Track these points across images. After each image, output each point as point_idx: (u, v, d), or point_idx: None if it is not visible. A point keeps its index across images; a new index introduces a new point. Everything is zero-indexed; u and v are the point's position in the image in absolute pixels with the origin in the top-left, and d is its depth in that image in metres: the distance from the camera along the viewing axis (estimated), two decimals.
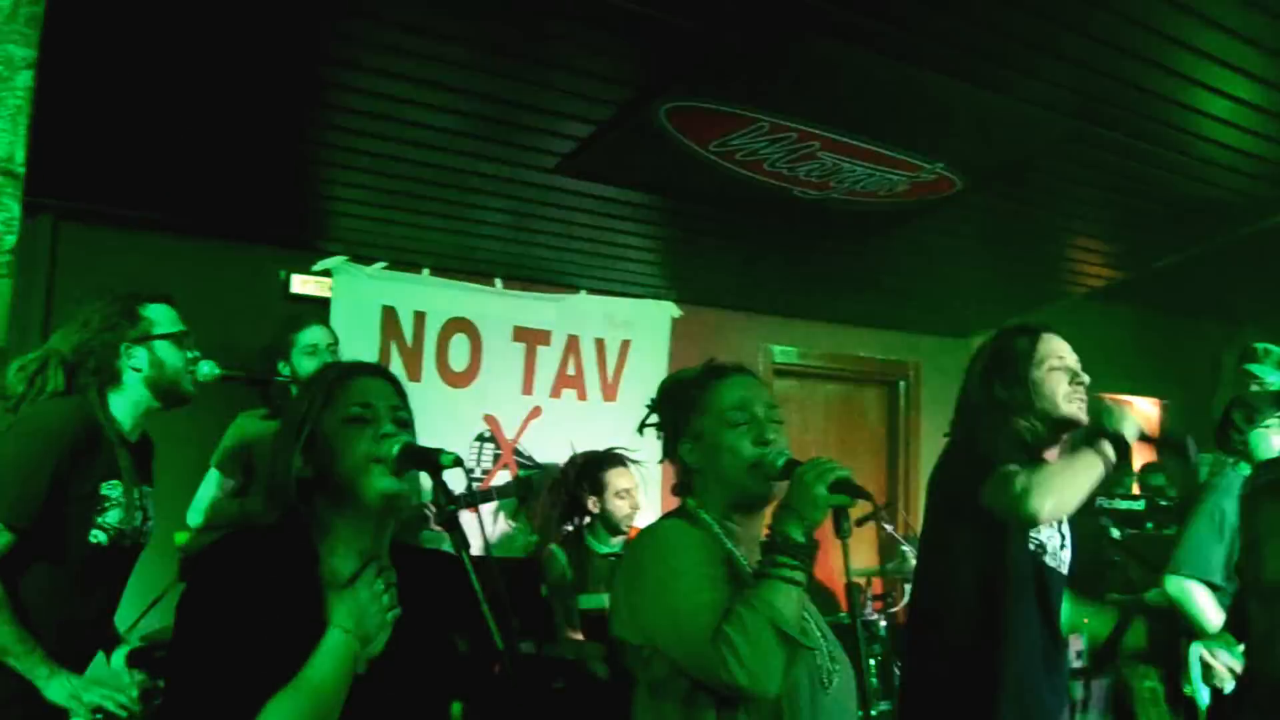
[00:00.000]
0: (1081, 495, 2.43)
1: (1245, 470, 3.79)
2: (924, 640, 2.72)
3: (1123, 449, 2.48)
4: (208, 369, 2.94)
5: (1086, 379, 2.68)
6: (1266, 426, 3.81)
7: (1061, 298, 6.01)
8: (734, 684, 1.78)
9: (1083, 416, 2.64)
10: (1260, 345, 4.68)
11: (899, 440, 6.61)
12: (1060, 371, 2.67)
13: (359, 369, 1.91)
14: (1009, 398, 2.66)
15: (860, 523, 4.90)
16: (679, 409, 2.14)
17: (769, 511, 2.03)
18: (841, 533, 1.89)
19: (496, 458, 5.23)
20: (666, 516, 2.15)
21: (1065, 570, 2.72)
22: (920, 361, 6.63)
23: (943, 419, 6.61)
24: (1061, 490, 2.39)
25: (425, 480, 1.80)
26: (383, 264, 4.96)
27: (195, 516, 3.87)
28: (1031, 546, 2.59)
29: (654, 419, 2.23)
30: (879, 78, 3.36)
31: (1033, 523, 2.44)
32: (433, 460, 1.75)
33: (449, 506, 1.75)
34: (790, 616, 1.82)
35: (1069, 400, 2.64)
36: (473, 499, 4.67)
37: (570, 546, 4.59)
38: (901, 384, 6.63)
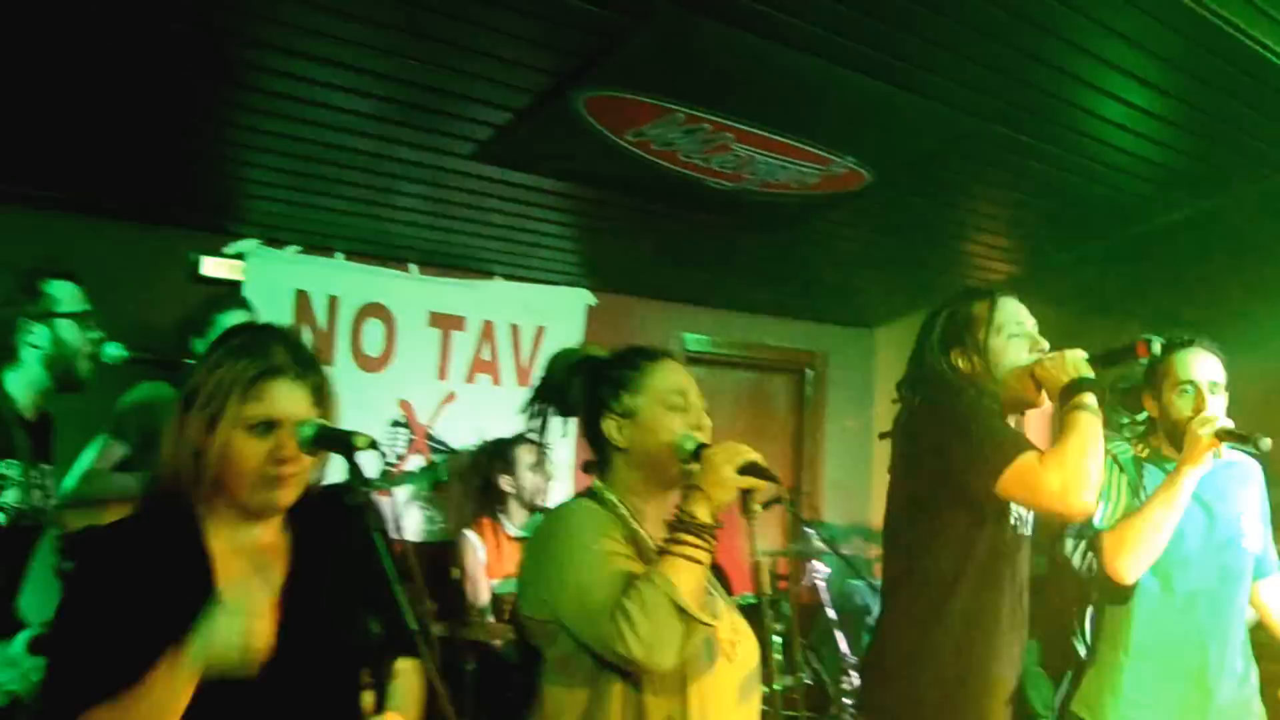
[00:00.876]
0: (1102, 460, 2.45)
1: None
2: (900, 615, 2.67)
3: (1099, 392, 2.48)
4: (114, 350, 2.89)
5: (1045, 344, 2.66)
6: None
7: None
8: (629, 657, 1.82)
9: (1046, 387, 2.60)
10: (1148, 335, 4.88)
11: (805, 427, 6.73)
12: (1020, 339, 2.65)
13: (276, 371, 1.80)
14: (969, 367, 2.63)
15: (767, 506, 5.01)
16: (604, 385, 2.15)
17: (675, 494, 2.08)
18: (748, 514, 1.94)
19: (410, 443, 5.23)
20: (573, 497, 2.20)
21: (1030, 530, 2.73)
22: (827, 351, 6.77)
23: (847, 406, 6.79)
24: (1091, 468, 2.39)
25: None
26: (296, 248, 4.92)
27: (69, 481, 3.53)
28: (1013, 522, 2.61)
29: (552, 393, 2.24)
30: (792, 72, 3.42)
31: (1085, 516, 2.49)
32: (346, 442, 1.74)
33: (362, 489, 1.74)
34: (690, 593, 1.86)
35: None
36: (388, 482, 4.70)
37: (486, 530, 4.65)
38: (808, 372, 6.76)
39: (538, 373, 2.32)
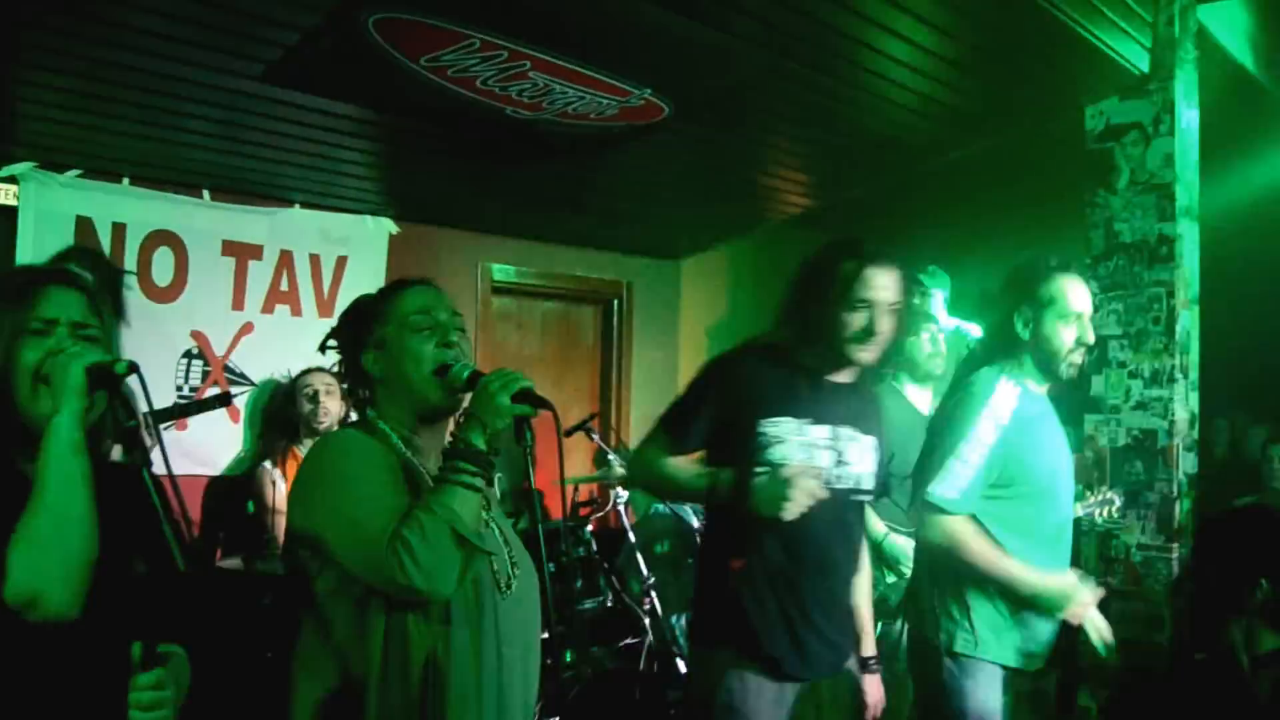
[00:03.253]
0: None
1: (901, 380, 4.18)
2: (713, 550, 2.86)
3: None
4: None
5: (883, 328, 2.66)
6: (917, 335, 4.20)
7: (763, 223, 6.36)
8: (410, 586, 1.81)
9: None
10: (930, 267, 5.22)
11: (612, 356, 6.84)
12: (862, 312, 2.64)
13: (48, 277, 1.83)
14: (815, 318, 2.69)
15: (570, 433, 5.14)
16: (360, 322, 2.15)
17: (451, 425, 2.09)
18: (524, 441, 1.94)
19: (206, 375, 5.10)
20: (343, 427, 2.18)
21: (849, 486, 2.75)
22: (633, 281, 6.87)
23: (653, 336, 6.93)
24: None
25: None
26: (76, 172, 4.68)
27: None
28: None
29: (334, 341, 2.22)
30: (589, 2, 3.43)
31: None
32: (106, 372, 1.71)
33: (129, 422, 1.69)
34: (468, 521, 1.87)
35: (851, 347, 2.66)
36: (171, 412, 4.58)
37: (287, 461, 4.62)
38: (615, 302, 6.85)
39: (339, 304, 2.28)
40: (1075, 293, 2.97)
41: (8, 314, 1.77)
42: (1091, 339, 3.00)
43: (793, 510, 2.48)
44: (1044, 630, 2.98)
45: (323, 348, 2.24)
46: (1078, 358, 2.99)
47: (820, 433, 2.71)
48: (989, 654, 2.91)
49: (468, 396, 2.01)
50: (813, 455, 2.68)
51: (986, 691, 2.90)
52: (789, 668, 2.68)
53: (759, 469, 2.61)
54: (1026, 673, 3.02)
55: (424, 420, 2.12)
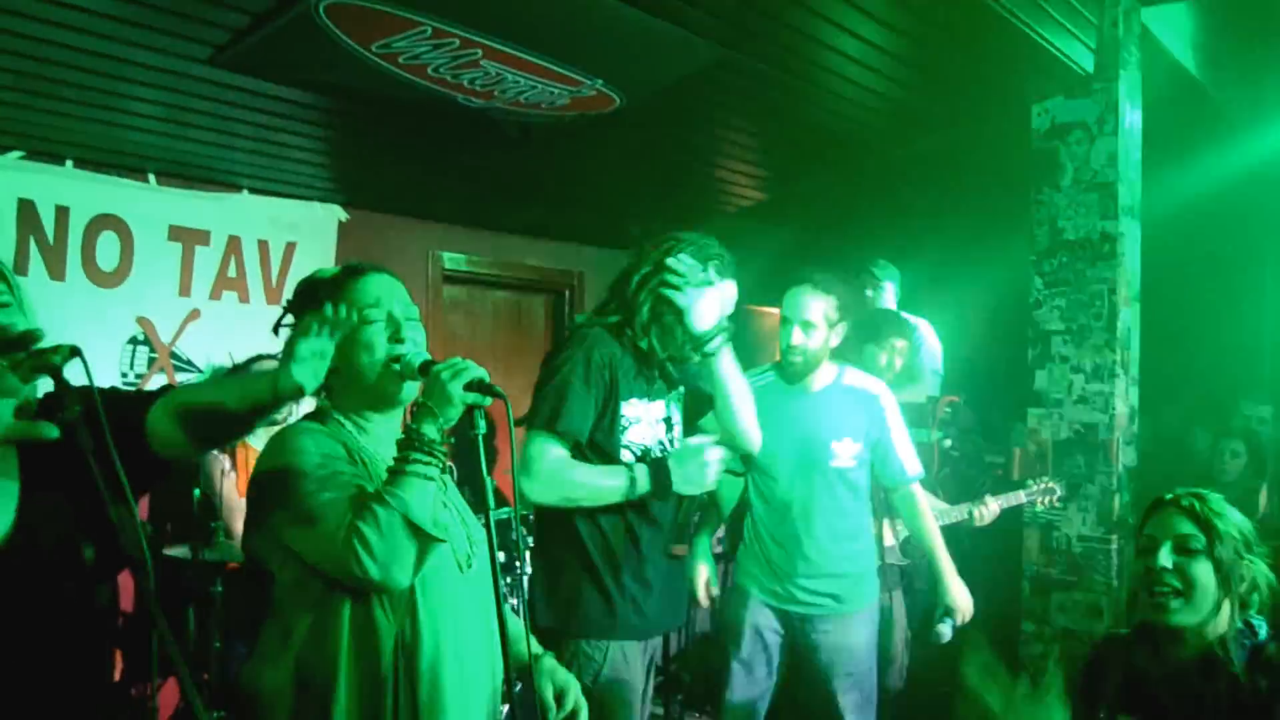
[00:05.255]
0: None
1: None
2: None
3: None
4: None
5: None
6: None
7: (716, 215, 6.38)
8: (366, 578, 1.83)
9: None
10: (880, 260, 5.27)
11: None
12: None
13: None
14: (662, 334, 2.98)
15: (520, 423, 5.08)
16: (314, 307, 2.09)
17: (406, 411, 2.09)
18: (475, 430, 1.93)
19: (152, 361, 5.03)
20: (299, 419, 2.16)
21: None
22: (585, 271, 6.86)
23: None
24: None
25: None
26: (18, 153, 4.60)
27: None
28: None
29: (289, 320, 2.18)
30: None
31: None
32: (48, 360, 1.67)
33: (75, 407, 1.64)
34: (423, 510, 1.87)
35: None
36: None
37: (231, 448, 4.57)
38: (567, 292, 6.84)
39: (287, 291, 2.26)
40: (788, 303, 3.53)
41: None
42: (794, 340, 3.48)
43: (712, 482, 2.82)
44: (788, 568, 3.53)
45: (276, 328, 2.22)
46: (792, 356, 3.53)
47: (658, 408, 2.98)
48: (738, 578, 3.67)
49: (420, 385, 2.01)
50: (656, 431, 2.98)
51: (737, 609, 3.62)
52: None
53: (665, 454, 2.89)
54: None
55: (378, 408, 2.12)
